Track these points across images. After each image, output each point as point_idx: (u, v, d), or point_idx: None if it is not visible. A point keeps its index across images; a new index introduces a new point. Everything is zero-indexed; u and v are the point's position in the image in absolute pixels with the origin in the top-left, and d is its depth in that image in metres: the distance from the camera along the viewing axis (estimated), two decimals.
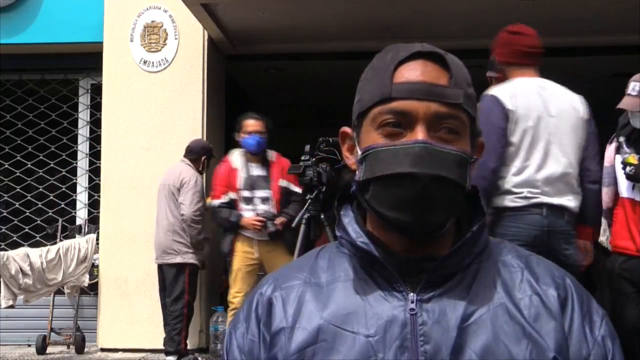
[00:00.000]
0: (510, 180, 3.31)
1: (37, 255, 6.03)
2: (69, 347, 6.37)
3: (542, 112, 3.33)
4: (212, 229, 6.00)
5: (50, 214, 6.96)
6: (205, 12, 5.98)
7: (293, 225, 4.80)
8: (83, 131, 7.03)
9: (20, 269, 5.90)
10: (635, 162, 3.81)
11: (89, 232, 6.54)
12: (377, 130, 1.06)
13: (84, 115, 7.05)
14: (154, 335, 6.01)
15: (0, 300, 5.87)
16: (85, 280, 6.26)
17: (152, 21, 6.60)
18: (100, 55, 6.63)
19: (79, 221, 6.87)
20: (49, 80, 7.18)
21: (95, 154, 6.87)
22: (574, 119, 3.42)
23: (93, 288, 6.51)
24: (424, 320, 1.02)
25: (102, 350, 6.37)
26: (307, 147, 4.74)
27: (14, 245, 6.59)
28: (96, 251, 6.43)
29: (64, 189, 7.05)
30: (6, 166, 7.10)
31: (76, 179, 7.00)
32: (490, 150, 3.04)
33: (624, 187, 3.96)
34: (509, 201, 3.30)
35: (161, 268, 5.68)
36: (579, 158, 3.44)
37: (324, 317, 1.05)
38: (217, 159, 5.91)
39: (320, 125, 6.92)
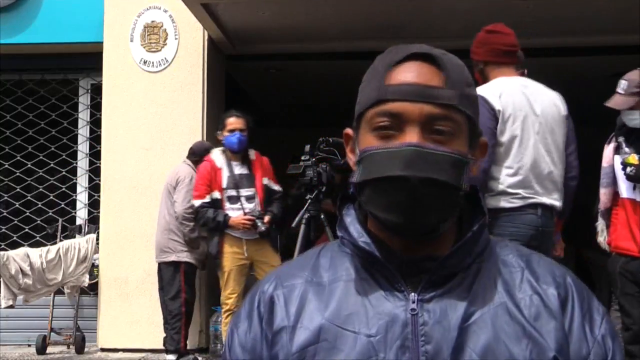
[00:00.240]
0: (505, 180, 3.31)
1: (37, 255, 6.03)
2: (69, 347, 6.37)
3: (528, 111, 3.35)
4: None
5: (50, 214, 6.97)
6: (205, 12, 5.98)
7: (293, 225, 4.79)
8: (83, 131, 7.03)
9: (20, 269, 5.90)
10: (636, 162, 3.80)
11: (89, 232, 6.54)
12: (372, 132, 1.06)
13: (84, 115, 7.05)
14: (154, 335, 6.01)
15: (0, 300, 5.86)
16: (85, 280, 6.26)
17: (152, 21, 6.61)
18: (100, 55, 6.63)
19: (79, 221, 6.87)
20: (49, 80, 7.18)
21: (95, 154, 6.87)
22: (557, 117, 3.45)
23: (93, 288, 6.51)
24: (425, 320, 1.02)
25: (102, 350, 6.38)
26: (307, 147, 4.74)
27: (14, 245, 6.59)
28: (96, 251, 6.43)
29: (64, 189, 7.05)
30: (6, 166, 7.10)
31: (76, 179, 7.00)
32: None
33: (624, 188, 3.95)
34: (505, 202, 3.31)
35: (160, 267, 5.69)
36: (562, 155, 3.47)
37: (325, 316, 1.06)
38: None
39: (320, 125, 6.93)
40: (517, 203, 3.31)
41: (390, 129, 1.05)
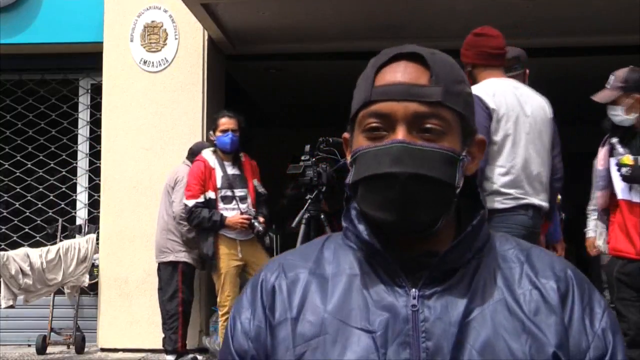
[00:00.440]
0: (498, 180, 3.32)
1: (37, 255, 6.03)
2: (69, 347, 6.37)
3: (519, 112, 3.39)
4: None
5: (50, 214, 6.96)
6: (205, 12, 5.98)
7: (293, 225, 4.79)
8: (83, 131, 7.03)
9: (20, 269, 5.90)
10: (631, 162, 3.78)
11: (89, 232, 6.54)
12: (362, 133, 1.08)
13: (84, 115, 7.05)
14: (154, 335, 6.00)
15: (0, 300, 5.86)
16: (85, 280, 6.26)
17: (152, 21, 6.60)
18: (100, 55, 6.63)
19: (79, 221, 6.87)
20: (49, 80, 7.18)
21: (95, 154, 6.87)
22: (544, 119, 3.50)
23: (93, 288, 6.51)
24: (426, 316, 1.03)
25: (102, 350, 6.37)
26: (307, 147, 4.73)
27: (14, 245, 6.59)
28: (96, 251, 6.43)
29: (64, 189, 7.04)
30: (6, 166, 7.10)
31: (76, 179, 7.00)
32: None
33: (620, 189, 3.93)
34: (498, 203, 3.32)
35: (159, 267, 5.70)
36: (549, 157, 3.51)
37: (327, 310, 1.06)
38: None
39: (320, 125, 6.93)
40: (510, 204, 3.32)
41: (380, 130, 1.06)
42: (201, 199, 5.22)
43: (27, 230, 6.95)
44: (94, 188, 6.89)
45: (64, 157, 6.98)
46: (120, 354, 6.26)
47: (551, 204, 3.57)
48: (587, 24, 6.31)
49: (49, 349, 6.25)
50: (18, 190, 7.07)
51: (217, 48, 6.84)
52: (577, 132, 6.05)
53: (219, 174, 5.31)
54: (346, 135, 1.16)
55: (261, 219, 5.32)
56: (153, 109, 6.54)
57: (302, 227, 4.62)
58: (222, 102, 7.05)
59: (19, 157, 7.05)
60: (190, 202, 5.23)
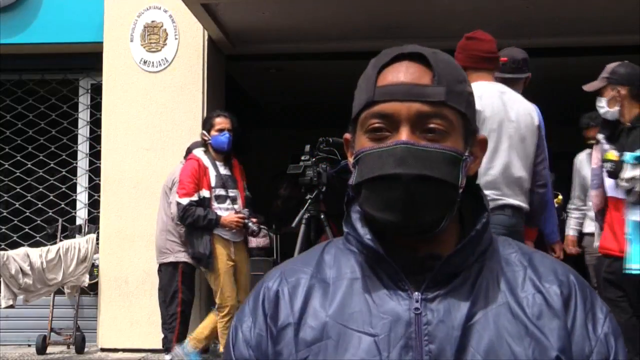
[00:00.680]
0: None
1: (37, 255, 6.03)
2: (69, 347, 6.37)
3: (503, 116, 3.42)
4: None
5: (50, 214, 6.96)
6: (205, 12, 5.98)
7: (293, 225, 4.79)
8: (83, 131, 7.03)
9: (20, 268, 5.90)
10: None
11: (89, 232, 6.54)
12: (365, 134, 1.07)
13: (84, 115, 7.05)
14: (154, 335, 6.00)
15: (0, 300, 5.86)
16: (85, 280, 6.26)
17: (152, 21, 6.61)
18: (100, 55, 6.63)
19: (79, 221, 6.87)
20: (49, 80, 7.18)
21: (95, 154, 6.87)
22: (529, 126, 3.51)
23: (93, 288, 6.51)
24: (429, 319, 1.02)
25: (102, 350, 6.37)
26: (307, 147, 4.73)
27: (14, 245, 6.58)
28: (96, 251, 6.43)
29: (64, 189, 7.05)
30: (6, 166, 7.10)
31: (76, 179, 7.00)
32: None
33: (608, 186, 3.92)
34: None
35: (160, 268, 5.69)
36: (531, 163, 3.53)
37: (329, 314, 1.06)
38: None
39: (320, 125, 6.94)
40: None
41: (383, 130, 1.05)
42: (195, 198, 5.15)
43: (27, 230, 6.95)
44: (94, 188, 6.89)
45: (64, 157, 6.98)
46: (120, 354, 6.26)
47: (536, 209, 3.58)
48: (587, 24, 6.31)
49: (49, 349, 6.25)
50: (18, 190, 7.07)
51: (217, 48, 6.84)
52: (577, 133, 6.05)
53: (212, 173, 5.28)
54: (347, 136, 1.15)
55: (254, 220, 5.32)
56: (153, 109, 6.54)
57: (302, 227, 4.62)
58: (222, 102, 7.05)
59: (19, 157, 7.05)
60: (184, 200, 5.13)
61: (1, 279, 5.91)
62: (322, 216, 4.68)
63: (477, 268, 1.07)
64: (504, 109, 3.42)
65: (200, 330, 5.40)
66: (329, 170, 4.71)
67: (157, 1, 6.60)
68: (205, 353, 6.11)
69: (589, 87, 4.02)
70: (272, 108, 10.12)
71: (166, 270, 5.60)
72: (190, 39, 6.58)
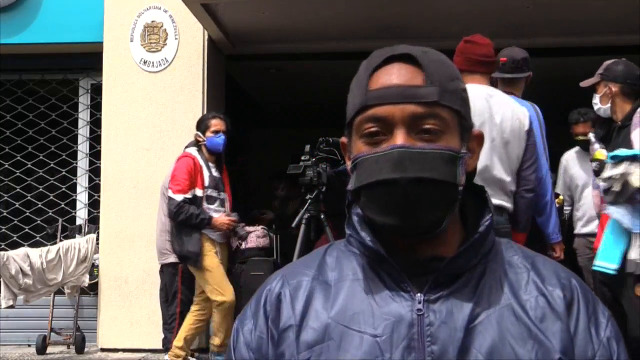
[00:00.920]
0: None
1: (37, 255, 6.03)
2: (69, 347, 6.37)
3: (486, 118, 3.40)
4: None
5: (50, 214, 6.96)
6: (205, 12, 5.97)
7: (293, 225, 4.79)
8: (83, 131, 7.03)
9: (20, 269, 5.90)
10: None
11: (89, 232, 6.54)
12: (361, 139, 1.07)
13: (84, 115, 7.05)
14: (154, 335, 6.01)
15: (0, 300, 5.87)
16: (85, 280, 6.26)
17: (152, 21, 6.61)
18: (100, 55, 6.63)
19: (79, 221, 6.87)
20: (49, 80, 7.18)
21: (95, 154, 6.87)
22: (516, 129, 3.49)
23: (93, 288, 6.51)
24: (431, 320, 1.02)
25: (102, 350, 6.38)
26: (307, 147, 4.74)
27: (14, 245, 6.59)
28: (96, 251, 6.43)
29: (64, 189, 7.05)
30: (6, 166, 7.10)
31: (76, 179, 7.00)
32: None
33: (602, 186, 3.91)
34: None
35: (161, 268, 5.70)
36: (515, 167, 3.50)
37: (331, 316, 1.06)
38: None
39: (320, 125, 6.93)
40: None
41: (379, 134, 1.05)
42: (189, 195, 5.14)
43: (27, 230, 6.95)
44: (94, 188, 6.89)
45: (64, 157, 6.98)
46: (120, 354, 6.26)
47: (521, 214, 3.56)
48: (587, 24, 6.31)
49: (49, 349, 6.25)
50: (18, 190, 7.07)
51: (217, 48, 6.84)
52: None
53: (206, 174, 5.29)
54: (344, 139, 1.15)
55: (242, 225, 5.38)
56: (153, 109, 6.54)
57: (302, 227, 4.62)
58: (222, 102, 7.06)
59: (19, 157, 7.05)
60: (179, 197, 5.10)
61: (1, 279, 5.91)
62: (322, 216, 4.68)
63: (480, 270, 1.08)
64: (488, 111, 3.41)
65: (184, 334, 5.36)
66: (329, 170, 4.71)
67: (157, 1, 6.60)
68: (205, 353, 6.12)
69: (584, 83, 4.05)
70: (272, 108, 10.12)
71: (167, 270, 5.60)
72: (190, 39, 6.58)
